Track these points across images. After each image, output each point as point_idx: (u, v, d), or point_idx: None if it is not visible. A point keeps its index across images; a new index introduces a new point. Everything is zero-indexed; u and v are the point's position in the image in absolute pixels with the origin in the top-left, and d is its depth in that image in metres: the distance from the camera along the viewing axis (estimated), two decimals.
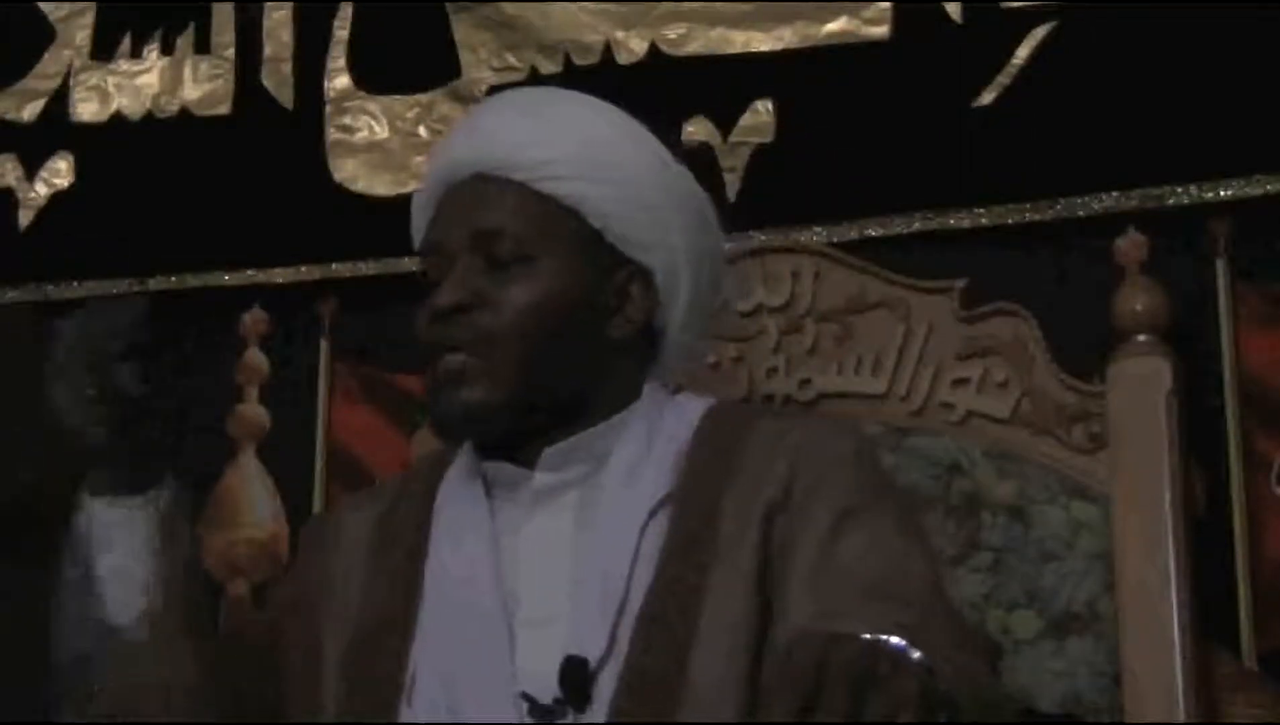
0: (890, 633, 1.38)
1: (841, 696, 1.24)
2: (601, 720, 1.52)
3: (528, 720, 1.52)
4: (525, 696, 1.52)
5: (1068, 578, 2.01)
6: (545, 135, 1.67)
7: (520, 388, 1.60)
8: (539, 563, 1.60)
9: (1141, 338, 2.10)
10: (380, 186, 2.71)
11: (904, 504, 1.70)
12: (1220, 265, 2.30)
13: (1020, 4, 2.45)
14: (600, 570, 1.58)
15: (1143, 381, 2.06)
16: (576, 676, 1.52)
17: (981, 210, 2.41)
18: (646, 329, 1.68)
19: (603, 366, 1.66)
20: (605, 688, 1.53)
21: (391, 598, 1.64)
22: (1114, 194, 2.36)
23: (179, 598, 1.59)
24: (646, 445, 1.64)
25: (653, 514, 1.60)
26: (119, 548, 1.58)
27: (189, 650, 1.60)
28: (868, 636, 1.37)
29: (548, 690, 1.52)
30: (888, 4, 2.51)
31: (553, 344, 1.62)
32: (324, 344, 2.68)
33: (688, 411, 1.69)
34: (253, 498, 2.58)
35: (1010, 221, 2.40)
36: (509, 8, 2.70)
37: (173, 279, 2.76)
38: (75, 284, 2.80)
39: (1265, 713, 2.04)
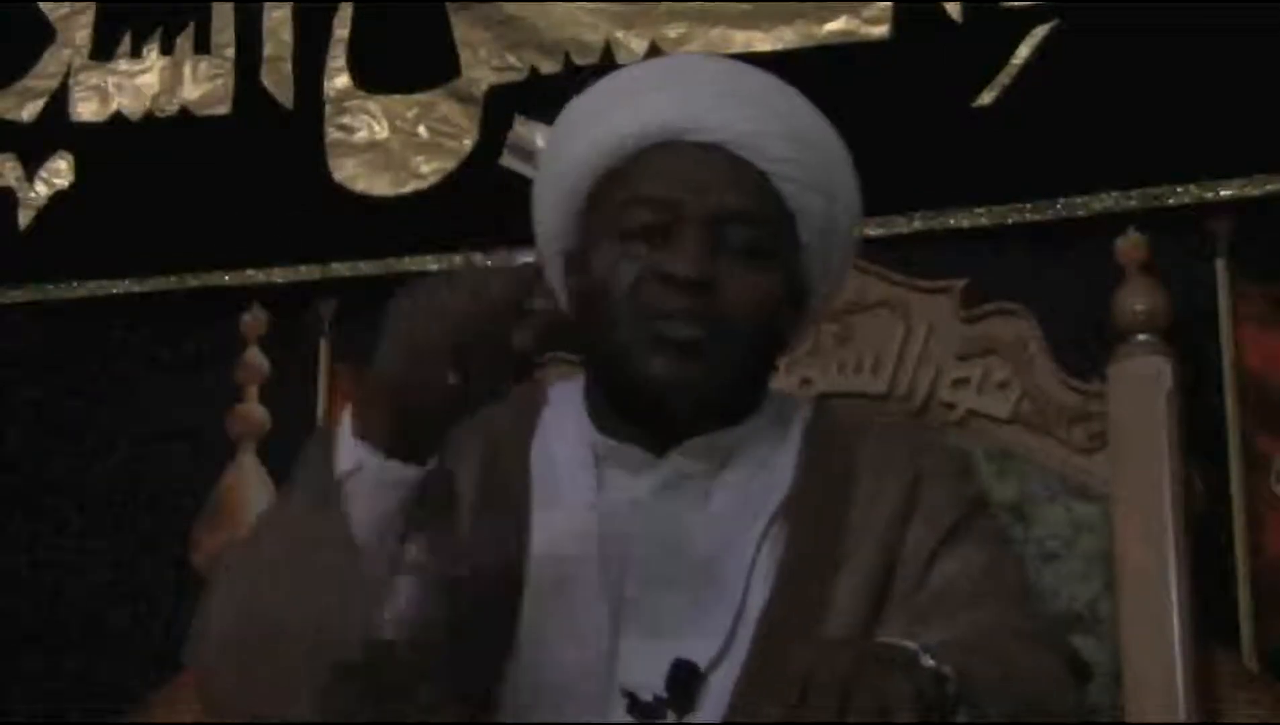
0: (966, 632, 1.37)
1: (826, 703, 1.24)
2: (706, 721, 1.49)
3: (623, 713, 1.50)
4: (625, 692, 1.50)
5: (1068, 578, 2.01)
6: (793, 132, 1.63)
7: (733, 375, 1.58)
8: (652, 553, 1.56)
9: (1141, 338, 2.09)
10: (380, 186, 2.71)
11: (993, 517, 1.70)
12: (1220, 265, 2.30)
13: (1020, 4, 2.45)
14: (717, 573, 1.56)
15: (1143, 381, 2.06)
16: (686, 680, 1.50)
17: (981, 210, 2.41)
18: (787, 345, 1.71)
19: (768, 370, 1.67)
20: (714, 691, 1.51)
21: (499, 565, 1.57)
22: (1114, 194, 2.36)
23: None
24: (768, 450, 1.63)
25: (771, 522, 1.59)
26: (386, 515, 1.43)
27: None
28: (885, 640, 1.37)
29: (647, 685, 1.50)
30: (888, 4, 2.52)
31: (759, 346, 1.61)
32: (324, 344, 2.68)
33: (797, 415, 1.68)
34: (252, 498, 2.57)
35: (1010, 221, 2.41)
36: (509, 7, 2.70)
37: (173, 279, 2.76)
38: (75, 284, 2.80)
39: (1265, 713, 2.04)
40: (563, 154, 1.66)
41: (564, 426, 1.64)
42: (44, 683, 2.73)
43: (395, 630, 1.40)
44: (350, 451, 1.43)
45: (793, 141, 1.62)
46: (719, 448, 1.61)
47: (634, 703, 1.50)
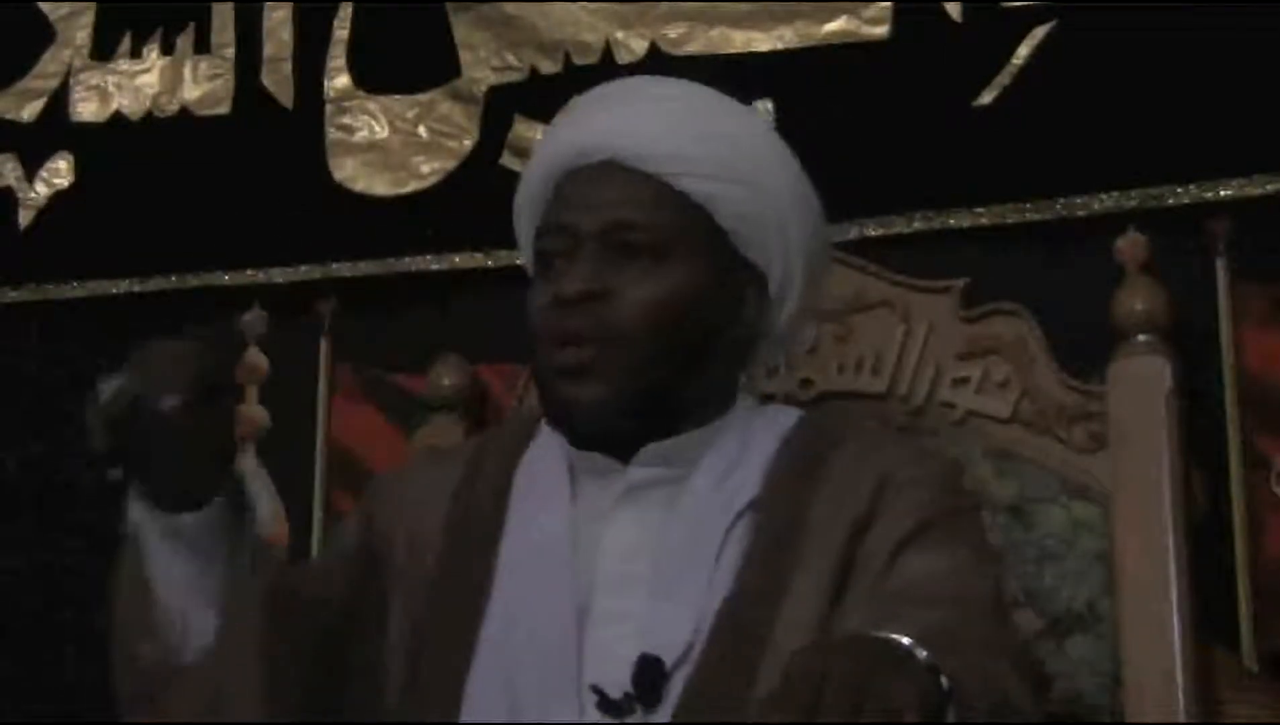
0: (925, 632, 1.38)
1: (841, 706, 1.24)
2: (669, 719, 1.51)
3: (594, 712, 1.52)
4: (595, 689, 1.52)
5: (1068, 578, 2.01)
6: (688, 132, 1.67)
7: (641, 387, 1.60)
8: (621, 558, 1.60)
9: (1141, 338, 2.10)
10: (380, 186, 2.71)
11: (975, 524, 1.70)
12: (1220, 265, 2.30)
13: (1020, 4, 2.45)
14: (683, 571, 1.58)
15: (1143, 381, 2.06)
16: (651, 675, 1.52)
17: (981, 210, 2.41)
18: (753, 335, 1.70)
19: (712, 368, 1.66)
20: (677, 688, 1.53)
21: (466, 572, 1.63)
22: (1114, 194, 2.36)
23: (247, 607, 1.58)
24: (738, 451, 1.65)
25: (738, 518, 1.61)
26: (178, 560, 1.56)
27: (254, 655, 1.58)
28: (875, 635, 1.37)
29: (616, 685, 1.52)
30: (888, 4, 2.51)
31: (674, 341, 1.62)
32: (324, 344, 2.68)
33: (778, 421, 1.70)
34: (252, 498, 2.58)
35: (1010, 221, 2.40)
36: (509, 7, 2.70)
37: (173, 279, 2.76)
38: (75, 284, 2.80)
39: (1265, 713, 2.04)
40: (517, 201, 1.74)
41: (549, 447, 1.68)
42: (43, 683, 2.73)
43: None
44: (135, 504, 1.55)
45: (685, 139, 1.65)
46: (679, 451, 1.63)
47: (603, 700, 1.52)
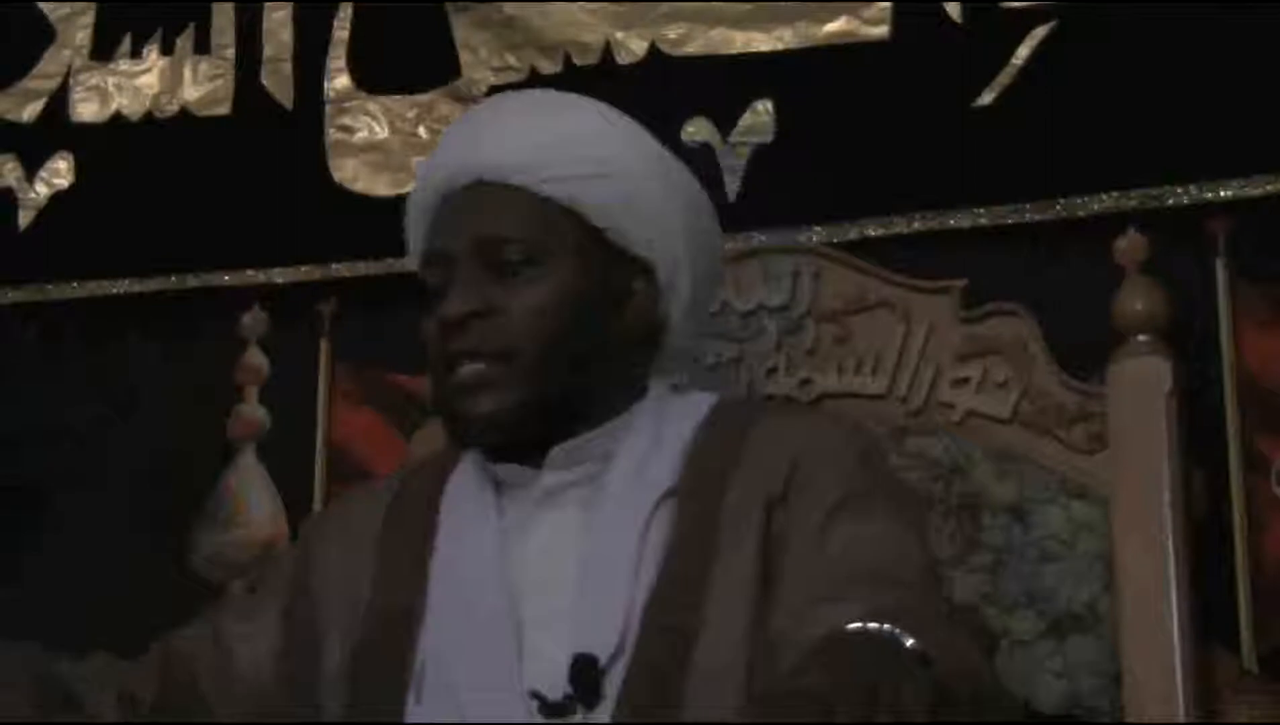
0: (882, 613, 1.38)
1: (853, 711, 1.24)
2: (610, 715, 1.52)
3: (537, 718, 1.52)
4: (534, 694, 1.52)
5: (1068, 578, 2.01)
6: (541, 139, 1.68)
7: (536, 392, 1.62)
8: (546, 562, 1.61)
9: (1141, 338, 2.10)
10: (380, 187, 2.71)
11: (900, 496, 1.70)
12: (1220, 265, 2.30)
13: (1020, 4, 2.45)
14: (606, 566, 1.58)
15: (1143, 382, 2.06)
16: (587, 674, 1.51)
17: (981, 210, 2.41)
18: (650, 325, 1.70)
19: (610, 364, 1.67)
20: (615, 683, 1.53)
21: (398, 594, 1.64)
22: (1114, 194, 2.36)
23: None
24: (652, 442, 1.65)
25: (657, 508, 1.61)
26: None
27: None
28: (857, 626, 1.37)
29: (556, 688, 1.52)
30: (888, 4, 2.52)
31: (564, 345, 1.63)
32: (324, 344, 2.68)
33: (692, 408, 1.70)
34: (252, 498, 2.58)
35: (1010, 221, 2.41)
36: (509, 8, 2.70)
37: (173, 279, 2.76)
38: (75, 284, 2.80)
39: (1265, 713, 2.04)
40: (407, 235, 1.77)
41: (475, 464, 1.70)
42: None
43: None
44: None
45: (538, 146, 1.67)
46: (588, 450, 1.64)
47: (544, 703, 1.52)
